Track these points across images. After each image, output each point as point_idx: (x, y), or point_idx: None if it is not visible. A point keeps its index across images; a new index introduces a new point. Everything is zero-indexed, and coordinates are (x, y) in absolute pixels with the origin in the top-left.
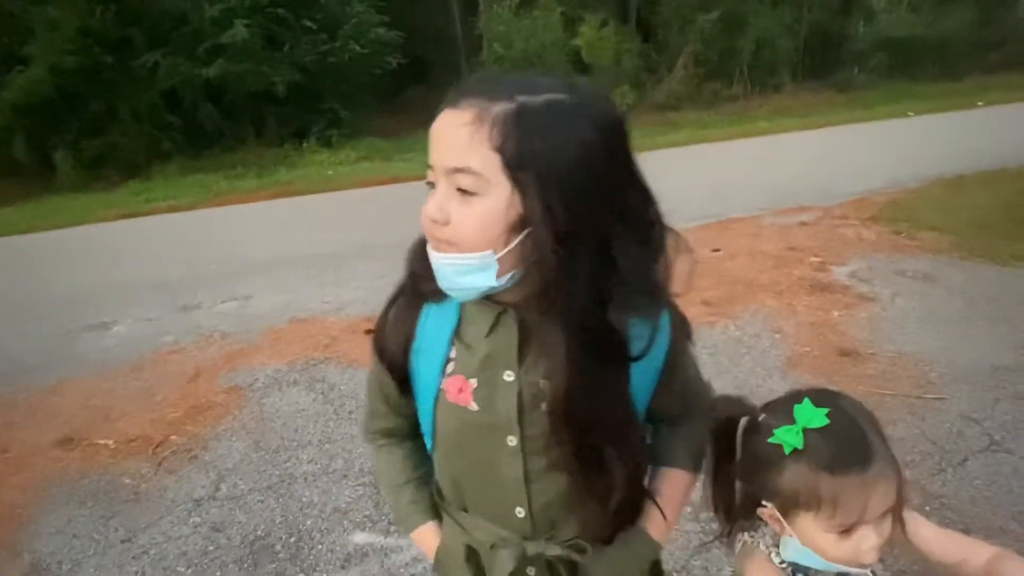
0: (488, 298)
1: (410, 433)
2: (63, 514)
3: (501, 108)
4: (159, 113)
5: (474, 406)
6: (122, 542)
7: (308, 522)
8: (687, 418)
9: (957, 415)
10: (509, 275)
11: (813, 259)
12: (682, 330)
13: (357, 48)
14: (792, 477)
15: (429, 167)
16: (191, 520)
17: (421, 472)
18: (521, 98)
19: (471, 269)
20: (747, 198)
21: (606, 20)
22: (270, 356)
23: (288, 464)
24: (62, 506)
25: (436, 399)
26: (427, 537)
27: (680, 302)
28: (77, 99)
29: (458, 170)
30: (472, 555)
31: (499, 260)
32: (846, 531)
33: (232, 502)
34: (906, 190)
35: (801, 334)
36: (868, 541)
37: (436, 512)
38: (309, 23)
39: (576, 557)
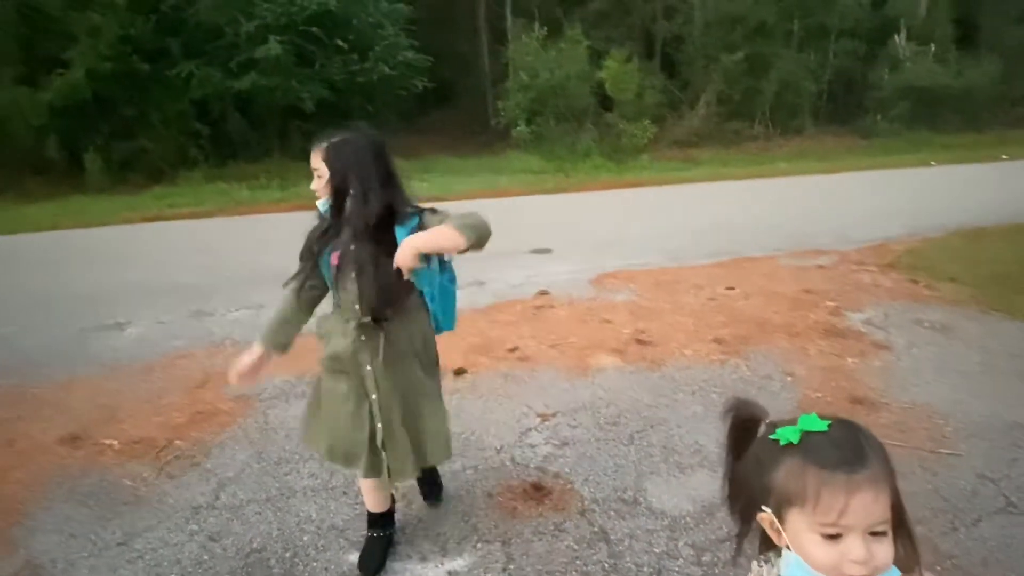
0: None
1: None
2: (62, 512)
3: (320, 150)
4: (188, 121)
5: (336, 261)
6: (118, 544)
7: (305, 538)
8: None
9: (972, 473)
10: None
11: (828, 303)
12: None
13: (386, 69)
14: (784, 470)
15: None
16: (188, 527)
17: (289, 319)
18: (332, 140)
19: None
20: (763, 238)
21: (631, 55)
22: (278, 367)
23: (289, 477)
24: (62, 504)
25: (327, 265)
26: (255, 350)
27: (690, 339)
28: (110, 103)
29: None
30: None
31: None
32: (833, 537)
33: (230, 512)
34: (925, 239)
35: (813, 378)
36: (854, 552)
37: (277, 346)
38: (341, 43)
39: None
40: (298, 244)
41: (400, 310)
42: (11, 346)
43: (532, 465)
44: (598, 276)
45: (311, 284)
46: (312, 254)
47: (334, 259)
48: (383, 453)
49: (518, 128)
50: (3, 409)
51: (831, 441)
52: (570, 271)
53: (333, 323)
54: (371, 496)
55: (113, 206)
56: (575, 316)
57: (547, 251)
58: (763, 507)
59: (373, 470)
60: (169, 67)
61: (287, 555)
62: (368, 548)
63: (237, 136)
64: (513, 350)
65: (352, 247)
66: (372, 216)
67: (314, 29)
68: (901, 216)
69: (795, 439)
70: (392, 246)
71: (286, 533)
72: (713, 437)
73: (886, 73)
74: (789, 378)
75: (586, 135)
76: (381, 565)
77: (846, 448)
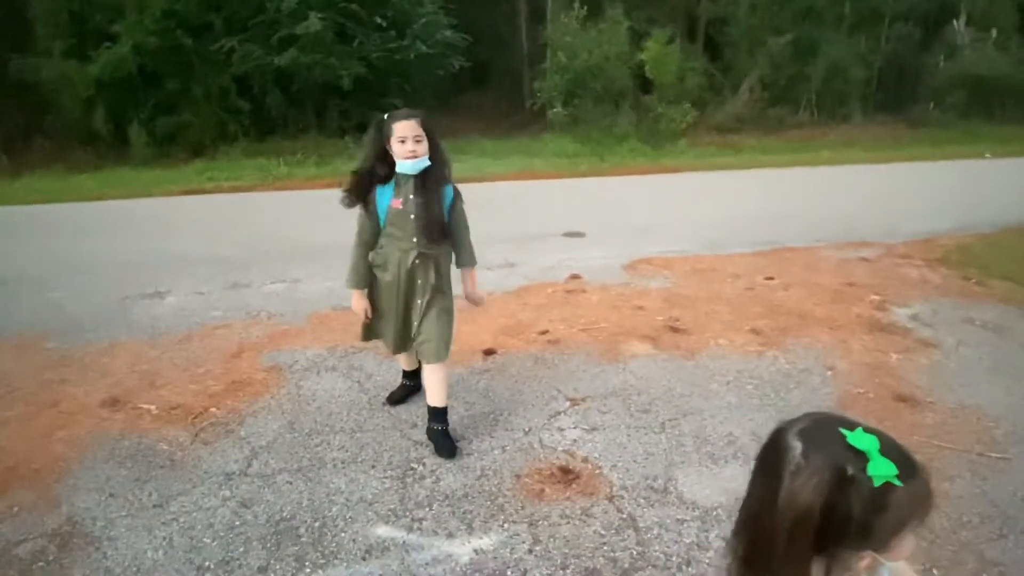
0: (405, 178)
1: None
2: (102, 472)
3: (419, 119)
4: (229, 97)
5: (402, 207)
6: (154, 506)
7: (333, 509)
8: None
9: (1022, 478)
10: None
11: (873, 297)
12: (458, 193)
13: (424, 48)
14: (894, 507)
15: (399, 137)
16: (221, 493)
17: (367, 265)
18: (420, 116)
19: (423, 162)
20: (805, 228)
21: (673, 37)
22: (312, 340)
23: (319, 448)
24: (102, 464)
25: (387, 208)
26: (359, 296)
27: (726, 328)
28: (155, 78)
29: (416, 136)
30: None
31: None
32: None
33: (262, 480)
34: (977, 235)
35: (855, 374)
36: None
37: (366, 284)
38: (380, 20)
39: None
40: (333, 222)
41: (445, 243)
42: (59, 310)
43: (560, 448)
44: (632, 262)
45: (371, 230)
46: (370, 202)
47: (397, 204)
48: (418, 337)
49: (554, 110)
50: (50, 371)
51: (892, 450)
52: (603, 256)
53: (388, 253)
54: (404, 360)
55: (156, 178)
56: (607, 301)
57: (580, 235)
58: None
59: (404, 347)
60: (212, 42)
61: (316, 525)
62: (398, 391)
63: (276, 112)
64: (543, 333)
65: (420, 198)
66: (448, 173)
67: (353, 5)
68: (951, 210)
69: (892, 477)
70: (441, 194)
71: (315, 503)
72: (747, 428)
73: (942, 60)
74: (829, 372)
75: (623, 118)
76: (402, 400)
77: (901, 451)
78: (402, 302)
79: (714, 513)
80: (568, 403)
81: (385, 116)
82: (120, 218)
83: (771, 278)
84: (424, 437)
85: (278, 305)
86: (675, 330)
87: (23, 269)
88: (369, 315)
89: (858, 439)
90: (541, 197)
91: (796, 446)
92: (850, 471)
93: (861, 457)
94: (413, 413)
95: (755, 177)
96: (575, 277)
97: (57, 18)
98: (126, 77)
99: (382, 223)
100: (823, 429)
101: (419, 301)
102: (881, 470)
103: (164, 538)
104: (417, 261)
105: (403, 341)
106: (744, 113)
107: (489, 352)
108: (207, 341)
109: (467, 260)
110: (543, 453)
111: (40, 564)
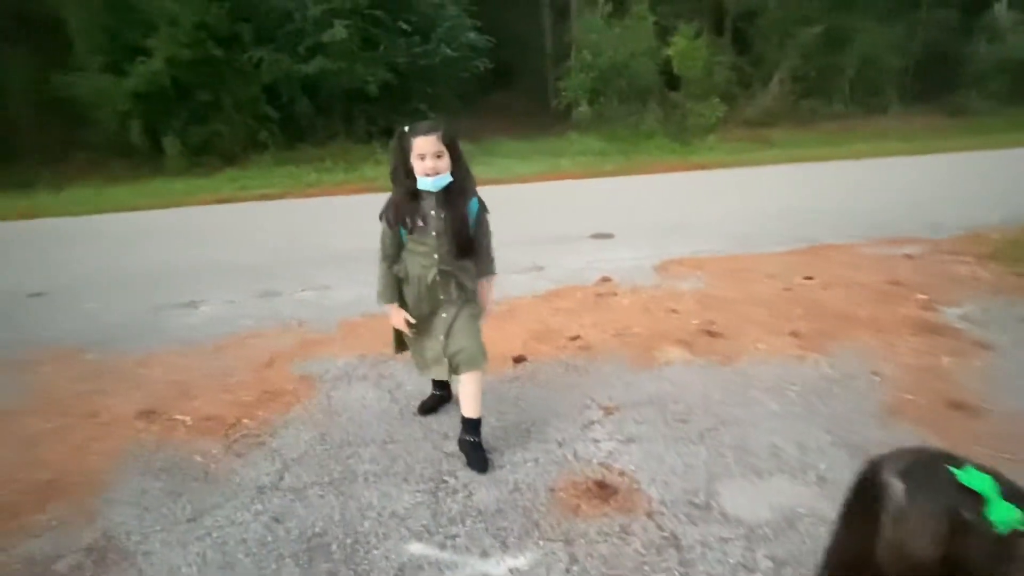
0: (428, 194)
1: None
2: (137, 485)
3: (438, 133)
4: (259, 106)
5: (423, 223)
6: (188, 521)
7: (365, 524)
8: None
9: None
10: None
11: (919, 296)
12: (483, 205)
13: (448, 51)
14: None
15: (418, 154)
16: (254, 507)
17: (395, 278)
18: (441, 128)
19: (445, 178)
20: (843, 224)
21: (700, 31)
22: (342, 348)
23: (351, 461)
24: (137, 477)
25: (412, 226)
26: (395, 310)
27: (765, 332)
28: (188, 89)
29: (436, 152)
30: (418, 276)
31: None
32: None
33: (294, 494)
34: None
35: (904, 379)
36: None
37: (396, 298)
38: (405, 25)
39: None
40: (362, 228)
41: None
42: (95, 321)
43: (596, 461)
44: (663, 263)
45: (394, 243)
46: (402, 220)
47: (422, 221)
48: (449, 349)
49: (579, 109)
50: (88, 382)
51: (1012, 491)
52: (633, 257)
53: (409, 267)
54: (436, 370)
55: (189, 188)
56: (639, 304)
57: (609, 236)
58: None
59: (439, 364)
60: (241, 53)
61: (348, 541)
62: (429, 400)
63: (304, 120)
64: (574, 339)
65: (443, 213)
66: (472, 188)
67: (378, 12)
68: (999, 202)
69: (1019, 523)
70: (466, 209)
71: (347, 518)
72: (791, 438)
73: (983, 45)
74: (876, 378)
75: (650, 115)
76: (432, 410)
77: (1022, 492)
78: (427, 317)
79: (760, 531)
80: (602, 412)
81: (405, 128)
82: (155, 228)
83: (810, 277)
84: (456, 448)
85: (308, 313)
86: (711, 334)
87: (61, 280)
88: (412, 322)
89: (972, 479)
90: (568, 197)
91: (897, 487)
92: (967, 517)
93: (977, 500)
94: (444, 424)
95: (788, 172)
96: (605, 280)
97: (93, 34)
98: (160, 90)
99: (404, 237)
100: (927, 467)
101: (444, 315)
102: (1004, 515)
103: (198, 554)
104: (438, 278)
105: (433, 358)
106: (775, 106)
107: (519, 359)
108: (239, 350)
109: (486, 269)
110: (578, 466)
111: None
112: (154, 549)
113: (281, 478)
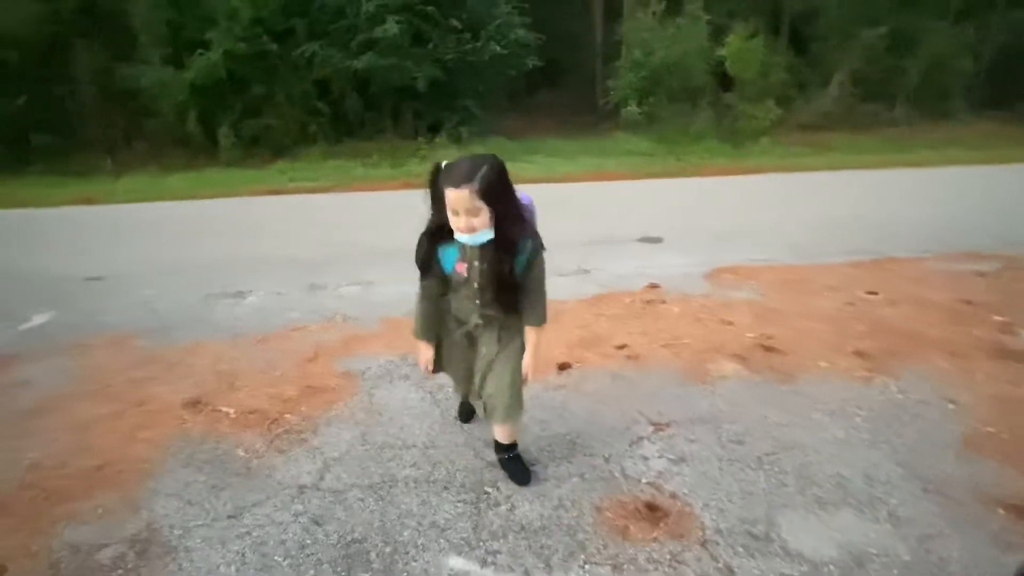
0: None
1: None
2: (181, 477)
3: (473, 187)
4: (310, 100)
5: (466, 274)
6: (228, 517)
7: (405, 533)
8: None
9: None
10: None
11: (996, 318)
12: (537, 245)
13: (497, 48)
14: None
15: (451, 210)
16: (294, 507)
17: (435, 317)
18: (476, 181)
19: (484, 235)
20: (908, 236)
21: (755, 31)
22: (384, 346)
23: (391, 464)
24: (181, 468)
25: (452, 272)
26: (425, 349)
27: (826, 349)
28: (243, 83)
29: (469, 208)
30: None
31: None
32: None
33: (334, 496)
34: None
35: (982, 409)
36: None
37: (434, 337)
38: (455, 22)
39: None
40: (406, 225)
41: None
42: (150, 309)
43: (645, 480)
44: (714, 270)
45: (436, 289)
46: (434, 266)
47: (461, 269)
48: (484, 390)
49: (628, 108)
50: (139, 369)
51: None
52: (683, 263)
53: (453, 306)
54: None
55: (242, 178)
56: (689, 314)
57: (657, 240)
58: None
59: (471, 395)
60: (294, 47)
61: (387, 550)
62: (465, 406)
63: (354, 115)
64: (621, 347)
65: (484, 265)
66: (516, 239)
67: (429, 8)
68: None
69: None
70: (512, 261)
71: (387, 525)
72: (859, 469)
73: None
74: (951, 406)
75: (701, 116)
76: (470, 418)
77: None
78: (465, 356)
79: (826, 570)
80: (651, 428)
81: (442, 165)
82: (208, 217)
83: (874, 292)
84: (495, 459)
85: (352, 308)
86: (768, 349)
87: (118, 266)
88: (430, 369)
89: None
90: (614, 199)
91: None
92: None
93: None
94: (487, 431)
95: (846, 179)
96: (653, 286)
97: (156, 28)
98: (216, 82)
99: (449, 278)
100: None
101: (484, 351)
102: None
103: (237, 552)
104: (480, 322)
105: (468, 390)
106: (833, 110)
107: (564, 366)
108: (284, 343)
109: (533, 319)
110: (626, 484)
111: (119, 572)
112: (195, 545)
113: (321, 478)
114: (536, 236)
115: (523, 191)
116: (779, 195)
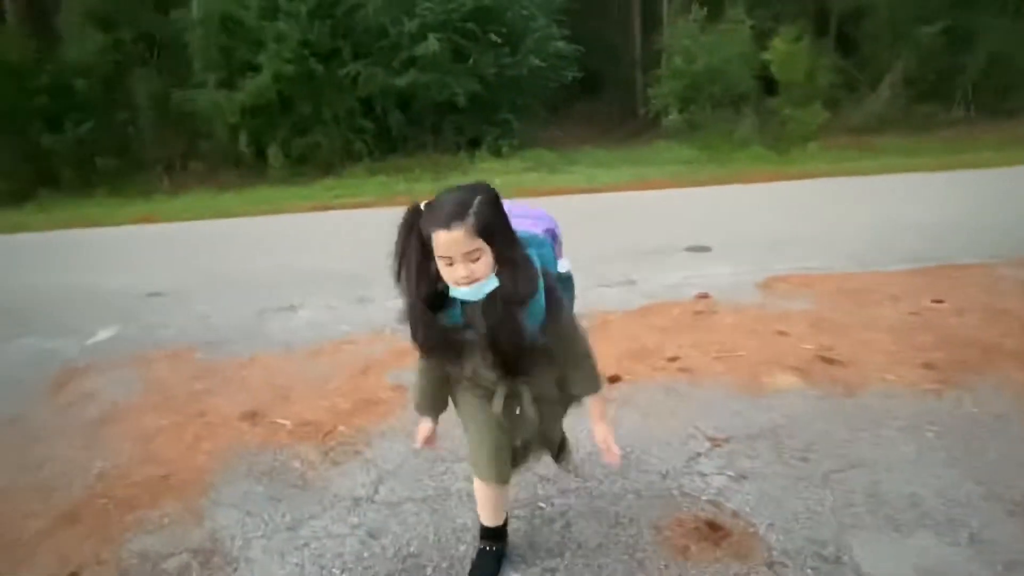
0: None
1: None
2: (241, 488)
3: (468, 225)
4: (355, 118)
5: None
6: (287, 529)
7: (461, 548)
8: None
9: None
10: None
11: None
12: (553, 291)
13: (536, 61)
14: None
15: (442, 257)
16: (350, 520)
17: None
18: (471, 216)
19: (487, 285)
20: (973, 241)
21: (801, 33)
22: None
23: (444, 477)
24: (241, 479)
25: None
26: (426, 423)
27: (891, 361)
28: (290, 103)
29: (467, 252)
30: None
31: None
32: None
33: (389, 508)
34: None
35: None
36: None
37: (438, 413)
38: (495, 37)
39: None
40: None
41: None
42: (206, 323)
43: (704, 498)
44: (766, 279)
45: (437, 369)
46: (433, 353)
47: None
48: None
49: (669, 116)
50: (199, 382)
51: None
52: (733, 273)
53: (468, 374)
54: (490, 506)
55: (290, 195)
56: (742, 325)
57: (705, 249)
58: None
59: (502, 476)
60: (339, 67)
61: (444, 565)
62: (480, 562)
63: (397, 131)
64: (673, 360)
65: (487, 324)
66: (532, 285)
67: (469, 24)
68: None
69: None
70: (521, 315)
71: (442, 540)
72: (934, 489)
73: None
74: None
75: (745, 122)
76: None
77: None
78: (496, 423)
79: None
80: (708, 444)
81: (421, 206)
82: (260, 234)
83: (939, 301)
84: (550, 473)
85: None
86: (828, 361)
87: (176, 281)
88: (433, 443)
89: None
90: (658, 208)
91: None
92: None
93: None
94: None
95: (900, 182)
96: (703, 296)
97: (210, 53)
98: (266, 103)
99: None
100: None
101: (519, 411)
102: None
103: (296, 564)
104: (507, 398)
105: (505, 467)
106: (885, 112)
107: (614, 379)
108: (336, 356)
109: (582, 387)
110: (684, 502)
111: None
112: (255, 556)
113: (376, 490)
114: (549, 274)
115: (542, 208)
116: (830, 201)
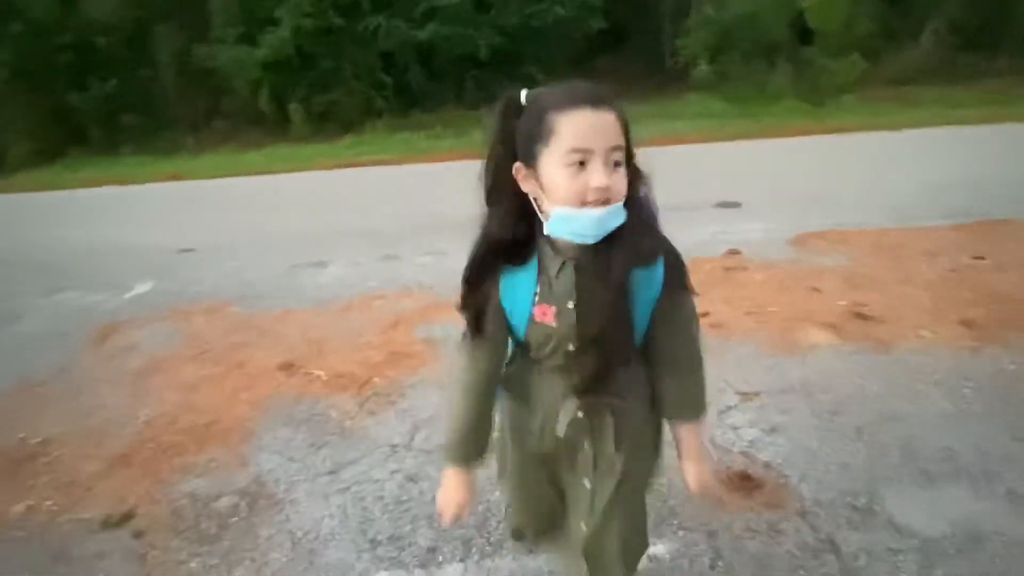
0: (555, 253)
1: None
2: (281, 435)
3: (618, 111)
4: (375, 73)
5: (554, 323)
6: (328, 473)
7: (496, 493)
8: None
9: None
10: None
11: None
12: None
13: (561, 11)
14: None
15: (576, 151)
16: (388, 465)
17: (486, 416)
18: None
19: (618, 213)
20: (1016, 197)
21: None
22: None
23: None
24: (281, 427)
25: (529, 321)
26: (455, 479)
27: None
28: (311, 58)
29: (615, 148)
30: (545, 412)
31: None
32: None
33: (425, 455)
34: None
35: None
36: None
37: (479, 455)
38: None
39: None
40: (471, 197)
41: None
42: (238, 278)
43: (736, 450)
44: (799, 236)
45: (485, 368)
46: (494, 316)
47: (544, 314)
48: (583, 534)
49: (699, 68)
50: (236, 334)
51: None
52: (764, 229)
53: (530, 392)
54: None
55: (312, 153)
56: (774, 281)
57: (735, 205)
58: None
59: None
60: (359, 21)
61: (480, 508)
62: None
63: (417, 87)
64: (703, 315)
65: (591, 297)
66: (662, 242)
67: None
68: None
69: None
70: (628, 288)
71: (478, 485)
72: (969, 443)
73: None
74: None
75: (778, 74)
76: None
77: None
78: (550, 481)
79: (938, 545)
80: (739, 397)
81: (523, 95)
82: (284, 191)
83: (980, 257)
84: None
85: (427, 277)
86: (862, 317)
87: (207, 238)
88: (464, 512)
89: None
90: (687, 163)
91: None
92: None
93: None
94: None
95: (942, 136)
96: (734, 252)
97: (229, 8)
98: (286, 58)
99: (512, 344)
100: None
101: (584, 481)
102: None
103: (339, 506)
104: (580, 414)
105: (553, 531)
106: (925, 63)
107: None
108: (365, 311)
109: (683, 406)
110: (717, 454)
111: (234, 519)
112: (299, 498)
113: (412, 438)
114: (671, 255)
115: None
116: (867, 155)
